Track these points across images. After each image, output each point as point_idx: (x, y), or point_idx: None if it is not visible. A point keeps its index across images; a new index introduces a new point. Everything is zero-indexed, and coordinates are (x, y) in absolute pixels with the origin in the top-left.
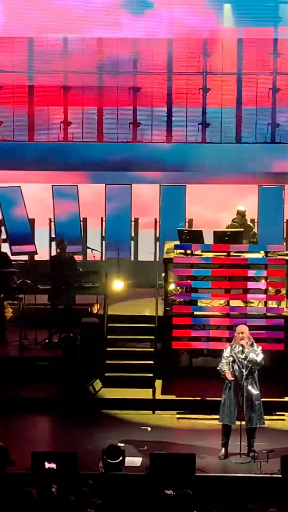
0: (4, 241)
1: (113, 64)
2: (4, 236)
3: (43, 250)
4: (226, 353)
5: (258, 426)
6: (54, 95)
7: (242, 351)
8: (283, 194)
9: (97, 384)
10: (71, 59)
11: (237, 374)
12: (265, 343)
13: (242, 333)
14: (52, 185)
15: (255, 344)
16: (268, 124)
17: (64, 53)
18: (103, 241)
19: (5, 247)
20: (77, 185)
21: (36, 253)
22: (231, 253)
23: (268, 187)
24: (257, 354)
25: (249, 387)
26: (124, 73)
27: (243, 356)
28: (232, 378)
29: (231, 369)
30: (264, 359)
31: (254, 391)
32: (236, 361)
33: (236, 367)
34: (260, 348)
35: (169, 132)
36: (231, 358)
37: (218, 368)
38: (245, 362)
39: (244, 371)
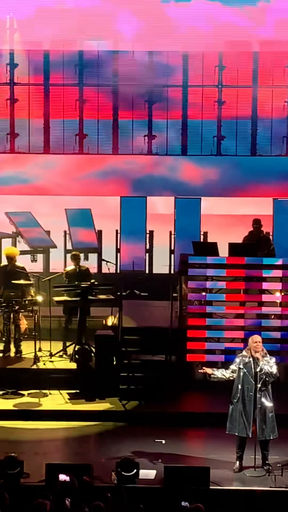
0: (22, 253)
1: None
2: (22, 247)
3: (58, 262)
4: (234, 366)
5: (271, 438)
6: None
7: (256, 363)
8: None
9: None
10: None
11: (246, 385)
12: (280, 356)
13: (259, 342)
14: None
15: (268, 355)
16: (284, 137)
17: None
18: (118, 254)
19: (21, 259)
20: None
21: None
22: (246, 266)
23: (284, 200)
24: (271, 366)
25: (263, 399)
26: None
27: (258, 369)
28: (209, 373)
29: (224, 376)
30: (278, 371)
31: (268, 403)
32: (246, 374)
33: (245, 379)
34: (273, 359)
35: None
36: (234, 374)
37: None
38: (260, 374)
39: (258, 383)
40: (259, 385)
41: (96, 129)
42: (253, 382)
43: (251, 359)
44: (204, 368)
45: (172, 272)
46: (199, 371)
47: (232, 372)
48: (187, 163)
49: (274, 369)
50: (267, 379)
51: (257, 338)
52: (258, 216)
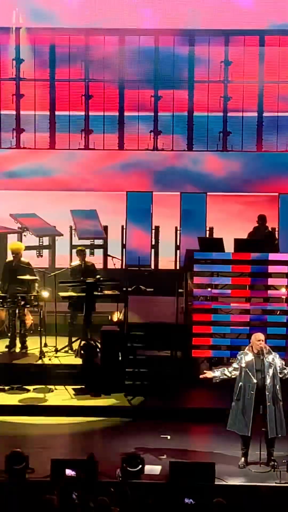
0: (28, 248)
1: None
2: (28, 243)
3: (64, 258)
4: (235, 364)
5: (279, 436)
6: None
7: (260, 361)
8: None
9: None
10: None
11: (247, 384)
12: (285, 352)
13: (261, 340)
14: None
15: (272, 352)
16: None
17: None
18: (124, 249)
19: (27, 255)
20: None
21: None
22: (252, 262)
23: None
24: (283, 365)
25: (272, 397)
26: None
27: (266, 365)
28: (210, 377)
29: (225, 375)
30: None
31: (277, 400)
32: (247, 372)
33: (247, 377)
34: (278, 355)
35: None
36: (237, 372)
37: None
38: (271, 372)
39: (266, 380)
40: (267, 383)
41: (102, 124)
42: (255, 381)
43: (253, 356)
44: (204, 372)
45: (178, 267)
46: (201, 377)
47: (234, 370)
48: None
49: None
50: (275, 377)
51: (260, 336)
52: (263, 211)
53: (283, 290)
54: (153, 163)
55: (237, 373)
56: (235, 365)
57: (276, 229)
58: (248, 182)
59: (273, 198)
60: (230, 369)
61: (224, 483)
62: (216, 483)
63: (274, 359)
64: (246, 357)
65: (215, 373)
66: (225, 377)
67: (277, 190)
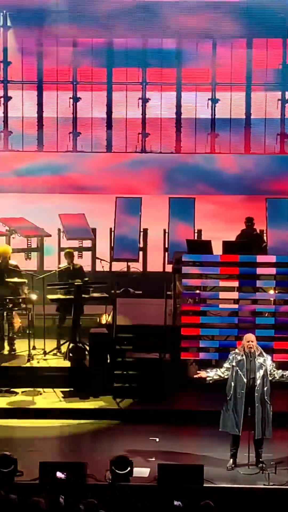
0: (16, 251)
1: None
2: (16, 245)
3: (52, 260)
4: (227, 364)
5: (267, 437)
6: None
7: (250, 361)
8: None
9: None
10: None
11: (239, 383)
12: (274, 353)
13: (251, 341)
14: None
15: (264, 353)
16: (278, 135)
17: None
18: (112, 252)
19: (15, 258)
20: None
21: None
22: (240, 264)
23: (277, 199)
24: (274, 367)
25: (260, 398)
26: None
27: (257, 366)
28: (204, 376)
29: (219, 376)
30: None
31: (266, 401)
32: (238, 371)
33: (238, 377)
34: (269, 357)
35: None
36: (229, 372)
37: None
38: (261, 373)
39: (256, 381)
40: (257, 384)
41: (90, 127)
42: (245, 380)
43: (244, 357)
44: (198, 372)
45: (166, 270)
46: (195, 376)
47: (226, 370)
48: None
49: (280, 371)
50: (265, 378)
51: (250, 337)
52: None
53: (271, 292)
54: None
55: (229, 373)
56: (227, 365)
57: (265, 231)
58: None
59: (261, 200)
60: (223, 369)
61: (212, 485)
62: (204, 485)
63: (266, 360)
64: (238, 357)
65: (209, 373)
66: (218, 377)
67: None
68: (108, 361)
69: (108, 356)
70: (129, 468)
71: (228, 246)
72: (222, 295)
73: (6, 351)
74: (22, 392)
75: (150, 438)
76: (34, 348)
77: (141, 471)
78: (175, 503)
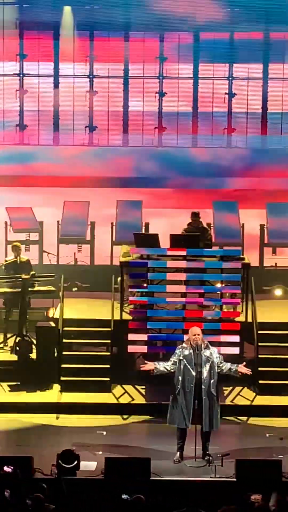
0: None
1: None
2: None
3: None
4: (174, 358)
5: (214, 430)
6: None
7: (197, 354)
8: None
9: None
10: None
11: (187, 377)
12: (221, 347)
13: (197, 335)
14: None
15: (210, 347)
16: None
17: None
18: (59, 245)
19: None
20: None
21: None
22: (187, 257)
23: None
24: (221, 359)
25: (207, 391)
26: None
27: (204, 359)
28: (151, 368)
29: (165, 369)
30: None
31: (213, 395)
32: (186, 365)
33: (186, 370)
34: (216, 350)
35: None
36: (175, 366)
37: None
38: (208, 367)
39: (203, 374)
40: (204, 377)
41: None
42: (194, 374)
43: (191, 350)
44: (145, 364)
45: (113, 263)
46: (141, 368)
47: (173, 364)
48: None
49: (228, 364)
50: (218, 371)
51: (196, 330)
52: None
53: (218, 285)
54: None
55: (175, 367)
56: (174, 359)
57: (212, 225)
58: None
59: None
60: (169, 363)
61: (159, 478)
62: (151, 478)
63: (212, 353)
64: (185, 351)
65: (156, 366)
66: (165, 370)
67: None
68: (55, 354)
69: (55, 350)
70: (75, 462)
71: (175, 239)
72: (170, 288)
73: None
74: None
75: (97, 432)
76: None
77: (88, 465)
78: (123, 496)
